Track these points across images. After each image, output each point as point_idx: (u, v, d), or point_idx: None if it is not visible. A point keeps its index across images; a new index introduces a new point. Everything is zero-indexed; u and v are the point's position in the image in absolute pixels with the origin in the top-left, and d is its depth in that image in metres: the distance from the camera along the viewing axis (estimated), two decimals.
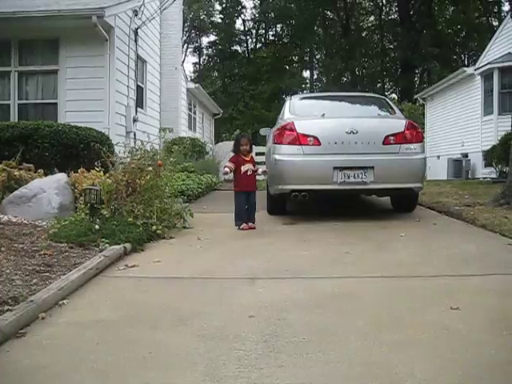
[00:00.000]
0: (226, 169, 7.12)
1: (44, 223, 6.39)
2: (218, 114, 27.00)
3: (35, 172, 7.82)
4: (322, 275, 4.52)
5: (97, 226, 5.71)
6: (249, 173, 7.08)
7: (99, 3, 11.09)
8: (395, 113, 8.33)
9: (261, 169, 7.41)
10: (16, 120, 10.79)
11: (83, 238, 5.41)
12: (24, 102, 11.45)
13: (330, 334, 3.12)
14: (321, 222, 7.22)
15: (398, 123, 7.56)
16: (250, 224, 6.98)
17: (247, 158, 7.14)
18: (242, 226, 6.93)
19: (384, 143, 7.18)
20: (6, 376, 2.64)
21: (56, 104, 11.20)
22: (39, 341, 3.09)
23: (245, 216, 7.03)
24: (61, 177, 7.36)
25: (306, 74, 47.57)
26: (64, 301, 3.81)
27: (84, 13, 10.55)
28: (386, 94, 39.94)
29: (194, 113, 21.58)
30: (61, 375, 2.63)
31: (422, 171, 7.49)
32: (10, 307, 3.40)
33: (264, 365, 2.70)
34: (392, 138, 7.21)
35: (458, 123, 20.54)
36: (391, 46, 42.48)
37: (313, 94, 13.26)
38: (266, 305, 3.67)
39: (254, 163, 7.27)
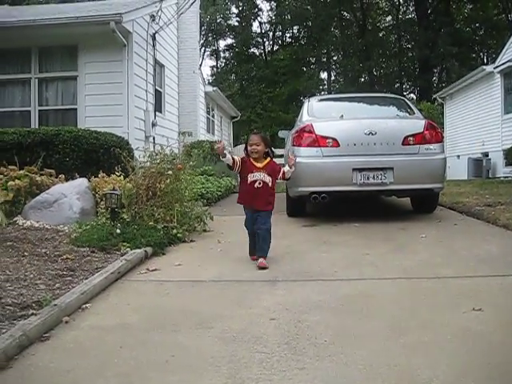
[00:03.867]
0: (219, 145, 4.99)
1: (66, 228, 6.45)
2: (236, 117, 27.05)
3: (56, 177, 7.90)
4: (342, 277, 4.51)
5: (118, 231, 5.76)
6: (257, 185, 5.00)
7: (117, 9, 11.19)
8: (414, 113, 8.28)
9: (286, 168, 5.16)
10: (37, 126, 10.91)
11: (105, 243, 5.46)
12: (44, 108, 11.56)
13: (352, 336, 3.12)
14: (340, 224, 7.20)
15: (417, 123, 7.51)
16: (261, 261, 4.92)
17: (258, 165, 5.04)
18: (251, 257, 5.25)
19: (403, 144, 7.15)
20: (32, 380, 2.67)
21: (76, 109, 11.30)
22: (63, 344, 3.12)
23: (251, 244, 5.27)
24: (82, 182, 7.43)
25: (324, 75, 47.47)
26: (87, 305, 3.85)
27: (102, 19, 10.63)
28: (404, 94, 39.74)
29: (213, 116, 21.65)
30: (85, 379, 2.66)
31: (442, 171, 7.43)
32: (35, 311, 3.45)
33: (286, 367, 2.70)
34: (411, 138, 7.17)
35: (478, 122, 20.35)
36: (409, 46, 42.19)
37: (331, 96, 13.22)
38: (287, 307, 3.68)
39: (274, 173, 5.11)
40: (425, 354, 2.81)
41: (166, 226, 6.16)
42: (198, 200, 7.62)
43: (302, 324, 3.33)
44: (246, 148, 5.16)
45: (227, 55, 49.43)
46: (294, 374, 2.62)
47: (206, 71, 50.13)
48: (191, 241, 6.36)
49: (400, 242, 5.97)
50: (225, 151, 4.97)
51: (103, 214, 6.46)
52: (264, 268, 4.81)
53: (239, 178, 5.44)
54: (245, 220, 5.26)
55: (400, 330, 3.19)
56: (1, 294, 3.77)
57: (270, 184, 5.05)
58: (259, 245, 5.03)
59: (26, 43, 11.20)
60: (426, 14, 37.61)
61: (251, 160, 5.06)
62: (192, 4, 14.45)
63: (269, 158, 5.11)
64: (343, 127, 7.45)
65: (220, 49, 49.88)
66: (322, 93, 42.27)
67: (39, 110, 11.51)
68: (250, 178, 5.01)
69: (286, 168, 5.15)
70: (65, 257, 4.99)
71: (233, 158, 5.02)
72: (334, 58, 47.17)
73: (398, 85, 42.63)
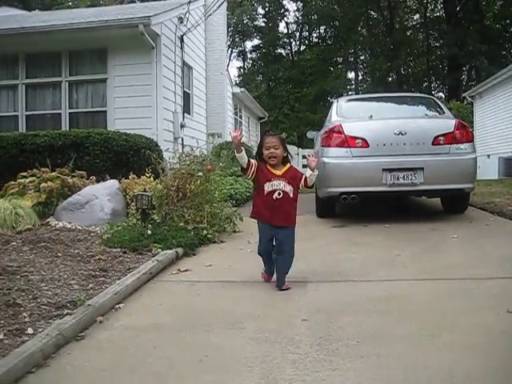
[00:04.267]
0: (235, 134, 4.19)
1: (97, 229, 6.54)
2: (264, 118, 27.07)
3: (87, 179, 8.00)
4: (373, 278, 4.49)
5: (149, 231, 5.82)
6: (276, 196, 4.19)
7: (145, 12, 11.28)
8: (444, 112, 8.20)
9: (307, 173, 4.31)
10: (67, 128, 11.05)
11: (136, 243, 5.52)
12: (74, 110, 11.70)
13: (384, 337, 3.11)
14: (370, 224, 7.16)
15: (447, 123, 7.43)
16: (283, 285, 4.26)
17: (277, 172, 4.26)
18: (263, 275, 4.55)
19: (433, 144, 7.08)
20: (69, 378, 2.72)
21: (105, 112, 11.42)
22: (98, 344, 3.17)
23: (268, 262, 4.44)
24: (112, 183, 7.52)
25: (351, 75, 47.19)
26: (120, 305, 3.90)
27: (131, 22, 10.74)
28: (433, 93, 39.31)
29: (240, 117, 21.69)
30: (121, 378, 2.70)
31: (473, 171, 7.34)
32: (69, 311, 3.51)
33: (319, 368, 2.71)
34: (441, 138, 7.10)
35: (509, 120, 20.04)
36: (437, 44, 41.70)
37: (360, 96, 13.15)
38: (319, 308, 3.68)
39: (295, 181, 4.31)
40: (459, 356, 2.78)
41: (196, 227, 6.20)
42: (227, 201, 7.64)
43: (334, 325, 3.33)
44: (258, 153, 4.33)
45: (254, 56, 49.47)
46: (327, 375, 2.62)
47: (233, 72, 50.25)
48: (221, 241, 6.39)
49: (431, 242, 5.92)
50: (242, 147, 4.19)
51: (134, 215, 6.53)
52: (285, 289, 4.21)
53: (254, 187, 4.50)
54: (259, 241, 4.39)
55: (433, 331, 3.17)
56: (36, 294, 3.85)
57: (291, 194, 4.24)
58: (280, 266, 4.29)
59: (57, 47, 11.36)
60: (454, 12, 37.15)
61: (268, 167, 4.25)
62: (220, 6, 14.50)
63: (288, 164, 4.33)
64: (372, 127, 7.41)
65: (247, 50, 49.95)
66: (350, 93, 42.08)
67: (69, 113, 11.66)
68: (268, 187, 4.20)
69: (308, 172, 4.28)
70: (97, 257, 5.06)
71: (249, 160, 4.21)
72: (361, 58, 46.88)
73: (426, 84, 42.23)
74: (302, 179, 4.29)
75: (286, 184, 4.22)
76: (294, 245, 4.30)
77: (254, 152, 4.72)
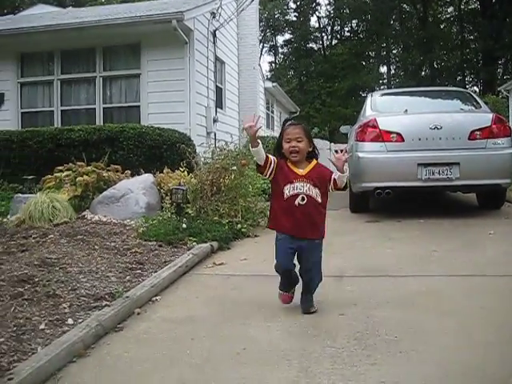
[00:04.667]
0: (250, 123, 3.36)
1: (132, 222, 6.60)
2: (295, 113, 26.99)
3: (122, 173, 8.08)
4: (409, 273, 4.46)
5: (184, 225, 5.86)
6: (299, 202, 3.41)
7: (178, 7, 11.32)
8: (480, 106, 8.07)
9: (336, 175, 3.48)
10: (101, 123, 11.17)
11: (171, 237, 5.57)
12: (108, 105, 11.82)
13: (422, 332, 3.08)
14: (404, 220, 7.10)
15: (484, 117, 7.32)
16: (308, 309, 3.53)
17: (300, 171, 3.48)
18: (282, 297, 3.67)
19: (470, 138, 6.98)
20: (109, 368, 2.76)
21: (139, 107, 11.51)
22: (136, 335, 3.21)
23: (288, 279, 3.61)
24: (147, 177, 7.59)
25: (383, 69, 46.78)
26: (157, 297, 3.95)
27: (164, 17, 10.78)
28: (467, 87, 38.73)
29: (272, 112, 21.67)
30: (160, 369, 2.73)
31: (511, 166, 7.21)
32: (108, 302, 3.56)
33: (357, 362, 2.70)
34: (478, 132, 7.00)
35: None
36: (471, 37, 41.10)
37: (394, 90, 13.01)
38: (355, 303, 3.67)
39: (323, 182, 3.51)
40: (499, 353, 2.75)
41: (230, 221, 6.23)
42: (261, 195, 7.64)
43: (371, 320, 3.31)
44: (278, 146, 3.56)
45: (285, 51, 49.43)
46: (365, 370, 2.61)
47: (265, 67, 50.21)
48: (255, 236, 6.40)
49: (467, 238, 5.84)
50: (258, 140, 3.39)
51: (168, 209, 6.58)
52: (310, 312, 3.51)
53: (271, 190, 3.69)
54: (276, 254, 3.54)
55: (471, 327, 3.13)
56: (75, 286, 3.91)
57: (318, 199, 3.44)
58: (306, 285, 3.59)
59: (91, 43, 11.48)
60: (490, 4, 36.51)
61: (289, 164, 3.47)
62: (252, 1, 14.49)
63: (314, 161, 3.53)
64: (407, 122, 7.33)
65: (278, 44, 49.89)
66: (382, 87, 41.68)
67: (104, 108, 11.78)
68: (289, 190, 3.41)
69: (336, 174, 3.47)
70: (133, 250, 5.11)
71: (267, 155, 3.43)
72: (394, 52, 46.44)
73: (460, 78, 41.62)
74: (332, 180, 3.47)
75: (311, 186, 3.42)
76: (321, 256, 3.58)
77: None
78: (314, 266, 3.55)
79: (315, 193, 3.43)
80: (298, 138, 3.42)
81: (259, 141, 3.38)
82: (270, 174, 3.47)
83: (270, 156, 3.45)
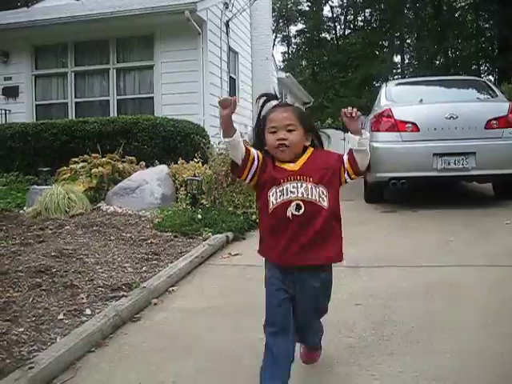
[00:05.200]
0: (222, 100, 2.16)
1: (147, 213, 6.62)
2: (309, 103, 26.88)
3: (137, 164, 8.10)
4: (426, 263, 4.43)
5: (199, 216, 5.87)
6: (292, 212, 2.19)
7: None
8: (497, 95, 7.97)
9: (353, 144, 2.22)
10: (115, 115, 11.20)
11: (187, 228, 5.58)
12: (122, 97, 11.84)
13: (439, 323, 3.07)
14: (420, 210, 7.05)
15: (500, 106, 7.23)
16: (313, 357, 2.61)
17: (291, 166, 2.26)
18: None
19: (486, 127, 6.91)
20: (127, 357, 2.78)
21: (152, 98, 11.51)
22: (153, 325, 3.23)
23: (274, 361, 2.19)
24: (162, 168, 7.60)
25: (397, 58, 46.40)
26: (173, 288, 3.96)
27: (177, 8, 10.76)
28: (482, 76, 38.34)
29: None
30: (177, 358, 2.74)
31: None
32: (125, 293, 3.58)
33: (374, 352, 2.70)
34: (494, 122, 6.92)
35: None
36: (487, 25, 40.61)
37: (409, 80, 12.89)
38: (372, 293, 3.66)
39: (329, 173, 2.26)
40: None
41: (245, 212, 6.23)
42: None
43: (388, 310, 3.30)
44: (257, 137, 2.35)
45: (298, 41, 49.12)
46: (382, 360, 2.61)
47: (278, 57, 49.97)
48: None
49: (483, 228, 5.79)
50: (234, 124, 2.22)
51: (183, 200, 6.58)
52: (314, 359, 2.60)
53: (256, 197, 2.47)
54: (267, 303, 2.31)
55: (489, 318, 3.12)
56: (92, 276, 3.93)
57: (323, 202, 2.22)
58: (305, 336, 2.49)
59: (104, 35, 11.49)
60: None
61: (275, 162, 2.28)
62: None
63: (310, 149, 2.33)
64: (423, 111, 7.26)
65: (291, 34, 49.65)
66: (396, 77, 41.31)
67: (117, 100, 11.80)
68: (275, 196, 2.23)
69: (352, 140, 2.23)
70: (149, 241, 5.13)
71: (247, 149, 2.24)
72: (408, 41, 46.04)
73: (475, 66, 41.21)
74: (345, 161, 2.25)
75: (310, 185, 2.20)
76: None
77: None
78: (316, 316, 2.43)
79: (318, 194, 2.19)
80: (289, 127, 2.21)
81: (236, 129, 2.20)
82: (252, 179, 2.25)
83: (253, 150, 2.23)
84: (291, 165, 2.23)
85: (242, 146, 2.20)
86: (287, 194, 2.18)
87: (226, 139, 2.22)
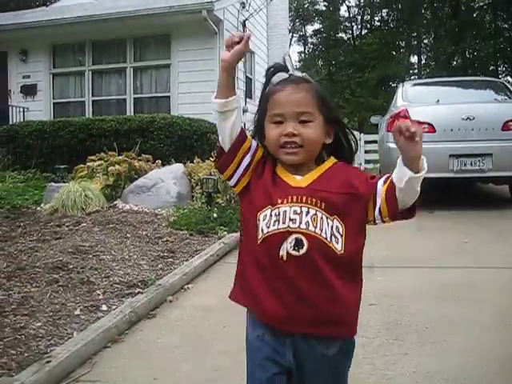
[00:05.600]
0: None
1: (163, 211, 6.65)
2: None
3: (153, 163, 8.15)
4: (440, 265, 4.42)
5: (215, 215, 5.89)
6: (288, 250, 1.41)
7: None
8: None
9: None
10: (132, 113, 11.27)
11: (202, 226, 5.61)
12: (139, 96, 11.92)
13: (453, 323, 3.07)
14: (435, 211, 7.02)
15: None
16: None
17: (296, 180, 1.49)
18: None
19: (503, 129, 6.88)
20: (144, 353, 2.80)
21: (169, 97, 11.58)
22: (169, 322, 3.25)
23: None
24: (178, 167, 7.63)
25: (414, 59, 46.16)
26: (189, 285, 3.99)
27: (194, 8, 10.81)
28: (500, 77, 38.04)
29: None
30: (193, 355, 2.77)
31: None
32: (141, 290, 3.60)
33: (388, 352, 2.70)
34: None
35: None
36: (505, 26, 40.28)
37: (425, 80, 12.86)
38: (386, 293, 3.65)
39: (352, 199, 1.45)
40: None
41: None
42: None
43: (402, 310, 3.30)
44: (258, 130, 1.61)
45: (315, 41, 49.03)
46: (396, 359, 2.61)
47: (294, 57, 49.86)
48: None
49: (500, 230, 5.77)
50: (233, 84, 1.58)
51: (199, 199, 6.61)
52: None
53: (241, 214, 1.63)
54: (250, 377, 1.58)
55: (504, 319, 3.11)
56: (108, 273, 3.97)
57: (335, 243, 1.44)
58: None
59: (122, 34, 11.57)
60: None
61: (278, 167, 1.54)
62: None
63: (331, 159, 1.56)
64: (439, 112, 7.24)
65: (308, 34, 49.57)
66: (412, 77, 41.14)
67: (134, 98, 11.88)
68: (266, 222, 1.45)
69: (403, 172, 1.40)
70: (165, 239, 5.16)
71: (242, 130, 1.57)
72: (425, 41, 45.78)
73: (492, 67, 40.90)
74: (380, 192, 1.48)
75: (319, 214, 1.45)
76: None
77: None
78: None
79: (330, 230, 1.45)
80: (302, 116, 1.48)
81: (236, 85, 1.65)
82: (238, 183, 1.55)
83: (250, 136, 1.60)
84: (298, 178, 1.48)
85: (237, 119, 1.53)
86: (284, 222, 1.41)
87: (217, 100, 1.52)
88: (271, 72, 1.62)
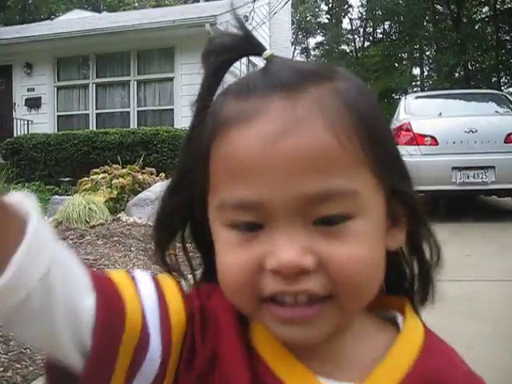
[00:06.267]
0: None
1: None
2: None
3: (157, 176, 8.18)
4: (442, 277, 4.35)
5: None
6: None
7: (210, 11, 11.43)
8: None
9: None
10: (135, 126, 11.34)
11: None
12: (142, 108, 11.99)
13: (455, 336, 3.02)
14: (438, 223, 7.01)
15: None
16: None
17: None
18: None
19: (506, 141, 6.90)
20: None
21: (172, 110, 11.64)
22: None
23: None
24: None
25: (416, 71, 46.35)
26: None
27: (197, 21, 10.91)
28: (502, 88, 38.12)
29: None
30: None
31: None
32: None
33: None
34: None
35: None
36: (507, 37, 40.43)
37: (428, 93, 12.91)
38: None
39: None
40: None
41: None
42: None
43: None
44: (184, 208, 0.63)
45: (317, 53, 49.28)
46: None
47: None
48: None
49: (502, 242, 5.75)
50: None
51: None
52: None
53: None
54: None
55: (506, 333, 3.09)
56: None
57: None
58: None
59: (126, 47, 11.67)
60: None
61: (260, 343, 0.58)
62: (285, 4, 14.52)
63: (419, 328, 0.64)
64: (442, 125, 7.28)
65: (310, 47, 49.83)
66: (415, 89, 41.30)
67: (138, 111, 11.95)
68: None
69: None
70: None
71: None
72: (427, 53, 45.98)
73: (495, 79, 41.00)
74: None
75: None
76: None
77: None
78: None
79: None
80: (327, 203, 0.53)
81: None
82: None
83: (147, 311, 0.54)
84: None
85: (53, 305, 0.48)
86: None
87: None
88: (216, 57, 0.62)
